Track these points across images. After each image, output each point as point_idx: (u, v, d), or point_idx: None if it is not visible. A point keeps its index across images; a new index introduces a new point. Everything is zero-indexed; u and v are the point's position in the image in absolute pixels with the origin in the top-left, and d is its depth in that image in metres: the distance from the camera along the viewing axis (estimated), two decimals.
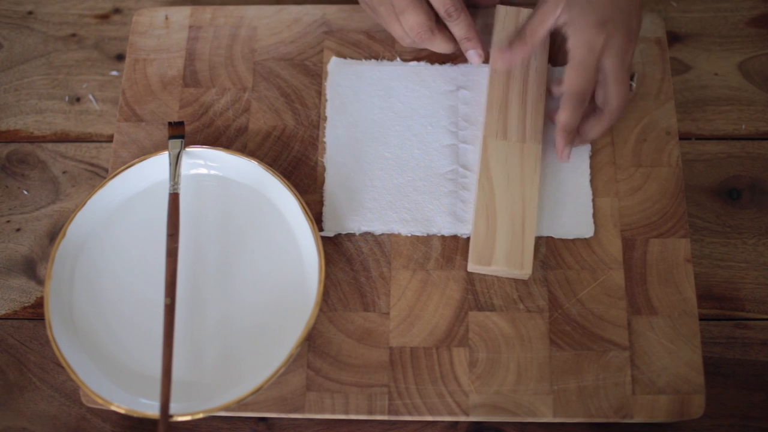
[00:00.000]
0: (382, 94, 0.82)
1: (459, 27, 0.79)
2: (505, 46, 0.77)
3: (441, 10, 0.78)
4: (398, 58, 0.84)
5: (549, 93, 0.80)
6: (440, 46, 0.80)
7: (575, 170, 0.79)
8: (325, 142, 0.80)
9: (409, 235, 0.77)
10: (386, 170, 0.79)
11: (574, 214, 0.77)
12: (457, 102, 0.82)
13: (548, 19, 0.75)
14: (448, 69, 0.83)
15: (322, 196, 0.78)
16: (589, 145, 0.80)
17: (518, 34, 0.77)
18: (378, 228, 0.77)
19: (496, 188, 0.76)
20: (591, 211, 0.77)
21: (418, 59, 0.84)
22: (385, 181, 0.79)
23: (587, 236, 0.76)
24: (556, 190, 0.78)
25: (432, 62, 0.84)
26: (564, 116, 0.75)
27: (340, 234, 0.77)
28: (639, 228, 0.77)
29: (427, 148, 0.80)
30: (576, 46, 0.73)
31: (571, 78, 0.74)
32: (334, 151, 0.80)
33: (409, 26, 0.78)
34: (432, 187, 0.78)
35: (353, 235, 0.77)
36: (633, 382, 0.72)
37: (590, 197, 0.78)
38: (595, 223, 0.77)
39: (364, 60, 0.84)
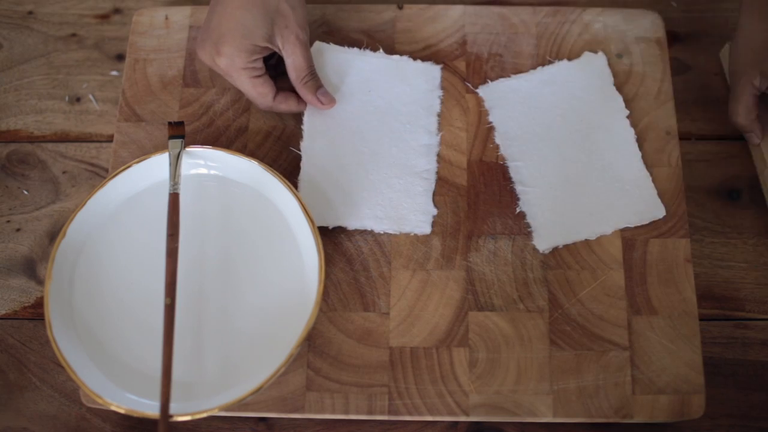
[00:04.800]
0: (362, 86, 0.82)
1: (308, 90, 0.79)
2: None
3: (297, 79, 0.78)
4: (381, 50, 0.83)
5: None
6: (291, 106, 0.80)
7: (625, 155, 0.78)
8: (302, 129, 0.80)
9: (382, 232, 0.77)
10: (362, 165, 0.79)
11: (639, 199, 0.77)
12: (436, 102, 0.82)
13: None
14: (429, 67, 0.83)
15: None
16: (632, 129, 0.79)
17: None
18: (351, 224, 0.77)
19: None
20: (654, 191, 0.77)
21: (401, 53, 0.84)
22: (360, 176, 0.78)
23: (660, 216, 0.76)
24: (613, 181, 0.77)
25: (414, 58, 0.83)
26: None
27: (339, 233, 0.77)
28: (639, 228, 0.77)
29: (404, 146, 0.80)
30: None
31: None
32: (311, 140, 0.80)
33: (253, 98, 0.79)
34: (407, 185, 0.78)
35: (353, 234, 0.77)
36: (633, 382, 0.72)
37: (649, 178, 0.77)
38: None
39: (347, 47, 0.84)
